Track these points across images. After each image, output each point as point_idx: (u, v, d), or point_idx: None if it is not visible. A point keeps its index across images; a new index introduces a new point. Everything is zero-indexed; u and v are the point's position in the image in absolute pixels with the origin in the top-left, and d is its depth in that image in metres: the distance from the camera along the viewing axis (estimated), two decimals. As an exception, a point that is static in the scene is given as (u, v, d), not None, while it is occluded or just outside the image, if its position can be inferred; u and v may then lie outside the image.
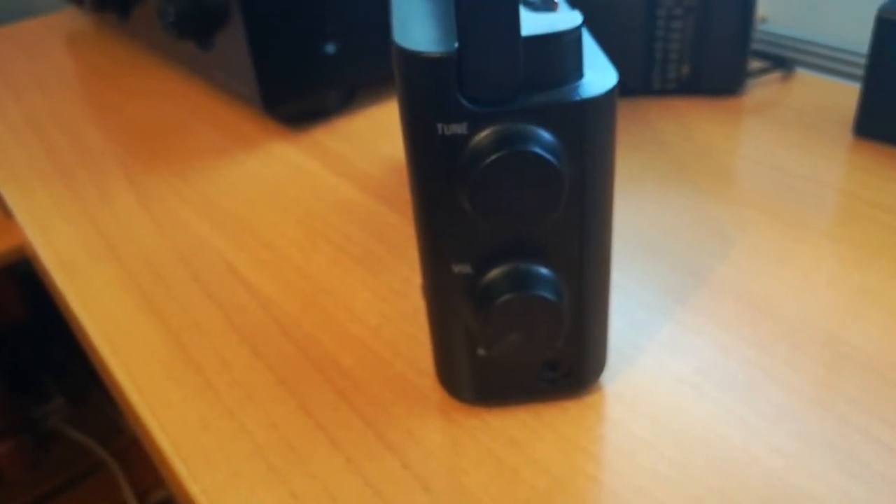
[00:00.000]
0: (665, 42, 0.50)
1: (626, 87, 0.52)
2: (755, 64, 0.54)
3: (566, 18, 0.23)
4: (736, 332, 0.32)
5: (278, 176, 0.47)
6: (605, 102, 0.23)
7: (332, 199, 0.45)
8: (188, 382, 0.33)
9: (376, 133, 0.51)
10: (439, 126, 0.23)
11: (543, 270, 0.26)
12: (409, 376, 0.32)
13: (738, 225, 0.39)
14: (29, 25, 0.80)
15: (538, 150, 0.22)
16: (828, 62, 0.57)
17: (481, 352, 0.28)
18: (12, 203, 0.47)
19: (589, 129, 0.23)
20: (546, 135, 0.23)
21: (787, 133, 0.47)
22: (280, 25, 0.48)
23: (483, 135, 0.23)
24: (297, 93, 0.51)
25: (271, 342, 0.34)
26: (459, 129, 0.23)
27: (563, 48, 0.23)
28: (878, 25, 0.42)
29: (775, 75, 0.54)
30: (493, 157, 0.22)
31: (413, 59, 0.22)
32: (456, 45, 0.22)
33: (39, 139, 0.55)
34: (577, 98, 0.23)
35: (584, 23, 0.23)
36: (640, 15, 0.49)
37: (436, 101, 0.23)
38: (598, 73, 0.24)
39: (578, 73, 0.23)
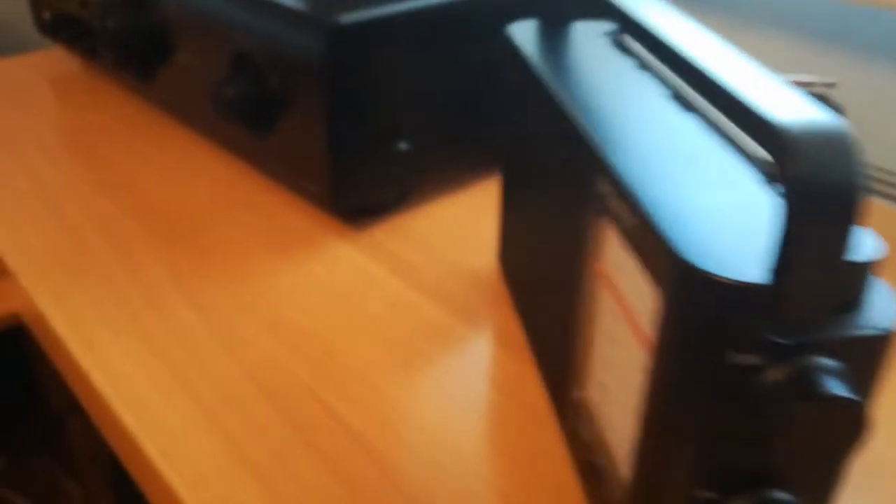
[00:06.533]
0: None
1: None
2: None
3: (870, 241, 0.20)
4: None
5: (348, 285, 0.43)
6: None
7: (416, 321, 0.41)
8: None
9: (442, 237, 0.48)
10: (729, 354, 0.20)
11: (786, 497, 0.23)
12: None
13: None
14: (6, 65, 0.72)
15: (847, 394, 0.20)
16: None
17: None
18: (44, 306, 0.41)
19: (881, 364, 0.21)
20: (842, 369, 0.20)
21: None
22: (359, 120, 0.44)
23: (782, 369, 0.20)
24: (365, 192, 0.47)
25: (398, 516, 0.30)
26: (753, 359, 0.20)
27: (868, 275, 0.20)
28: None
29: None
30: (799, 401, 0.20)
31: (713, 284, 0.19)
32: (770, 269, 0.19)
33: (58, 221, 0.49)
34: (885, 330, 0.20)
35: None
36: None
37: (732, 328, 0.20)
38: (881, 298, 0.21)
39: (864, 298, 0.21)
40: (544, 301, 0.35)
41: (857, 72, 0.60)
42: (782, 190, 0.18)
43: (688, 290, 0.20)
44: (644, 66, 0.33)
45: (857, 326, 0.20)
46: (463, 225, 0.49)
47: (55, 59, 0.74)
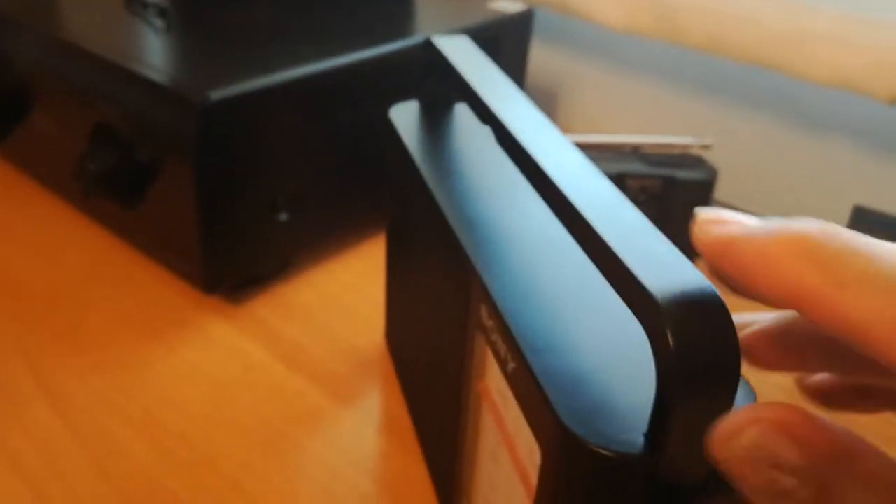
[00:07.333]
0: (631, 227, 0.49)
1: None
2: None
3: (742, 392, 0.20)
4: None
5: (226, 374, 0.41)
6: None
7: (300, 411, 0.39)
8: None
9: (326, 309, 0.46)
10: (609, 516, 0.19)
11: None
12: None
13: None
14: None
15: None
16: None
17: None
18: None
19: None
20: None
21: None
22: (232, 195, 0.42)
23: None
24: (242, 268, 0.45)
25: None
26: (633, 518, 0.20)
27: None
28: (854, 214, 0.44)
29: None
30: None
31: (591, 453, 0.19)
32: (644, 437, 0.19)
33: None
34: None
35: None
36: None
37: (611, 491, 0.19)
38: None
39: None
40: (430, 398, 0.34)
41: (735, 122, 0.62)
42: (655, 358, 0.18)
43: (567, 456, 0.19)
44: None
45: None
46: (349, 293, 0.48)
47: None
